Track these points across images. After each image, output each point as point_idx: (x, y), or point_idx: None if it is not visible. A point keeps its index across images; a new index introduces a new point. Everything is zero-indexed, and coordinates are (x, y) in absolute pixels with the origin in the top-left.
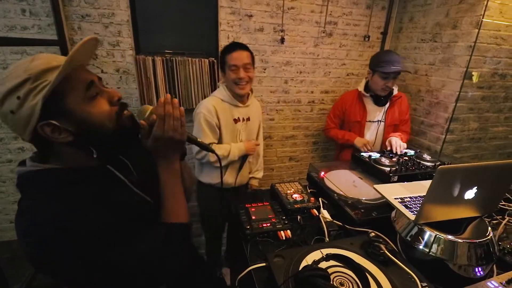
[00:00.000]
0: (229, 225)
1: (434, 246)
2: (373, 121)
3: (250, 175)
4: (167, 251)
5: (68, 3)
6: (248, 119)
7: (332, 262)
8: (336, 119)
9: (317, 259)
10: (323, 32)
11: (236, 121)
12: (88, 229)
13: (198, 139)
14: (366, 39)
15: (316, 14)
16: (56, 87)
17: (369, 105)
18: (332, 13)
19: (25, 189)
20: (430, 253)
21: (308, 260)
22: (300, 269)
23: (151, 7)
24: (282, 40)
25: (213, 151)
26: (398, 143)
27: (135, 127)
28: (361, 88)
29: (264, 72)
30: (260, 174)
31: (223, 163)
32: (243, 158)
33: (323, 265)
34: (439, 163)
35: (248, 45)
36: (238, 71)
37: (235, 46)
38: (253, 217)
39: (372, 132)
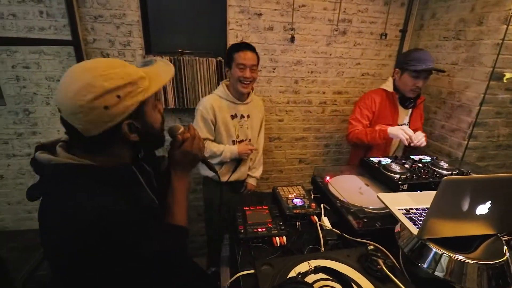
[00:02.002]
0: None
1: (440, 266)
2: (399, 125)
3: (248, 172)
4: (176, 247)
5: (82, 4)
6: (248, 116)
7: (321, 275)
8: (364, 119)
9: (304, 271)
10: (336, 30)
11: (232, 117)
12: (126, 224)
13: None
14: (383, 37)
15: (329, 11)
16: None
17: (399, 107)
18: (346, 10)
19: (63, 180)
20: (435, 273)
21: (297, 271)
22: (284, 280)
23: (161, 7)
24: (292, 39)
25: (215, 172)
26: (420, 136)
27: (173, 139)
28: (390, 88)
29: (273, 71)
30: (257, 173)
31: (215, 160)
32: (238, 160)
33: (311, 278)
34: (458, 171)
35: (257, 45)
36: (245, 70)
37: (245, 46)
38: (249, 221)
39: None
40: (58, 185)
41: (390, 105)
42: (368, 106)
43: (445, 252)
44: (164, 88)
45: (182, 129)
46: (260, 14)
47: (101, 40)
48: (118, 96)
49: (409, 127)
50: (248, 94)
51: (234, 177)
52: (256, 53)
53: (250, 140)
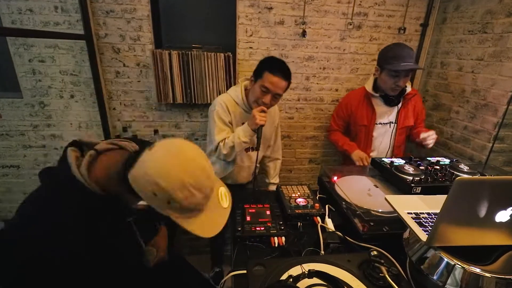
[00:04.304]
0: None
1: (452, 278)
2: (384, 123)
3: (268, 180)
4: None
5: None
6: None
7: (315, 280)
8: (340, 121)
9: (296, 274)
10: (351, 25)
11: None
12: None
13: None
14: (402, 31)
15: (343, 4)
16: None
17: (379, 106)
18: (362, 3)
19: (57, 191)
20: (445, 286)
21: (290, 274)
22: (272, 283)
23: (171, 1)
24: (304, 34)
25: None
26: (432, 135)
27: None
28: (368, 87)
29: None
30: (277, 179)
31: (237, 148)
32: (258, 137)
33: (304, 282)
34: (479, 175)
35: (267, 39)
36: (267, 95)
37: (281, 70)
38: (248, 219)
39: (382, 135)
40: (46, 191)
41: (367, 106)
42: (343, 107)
43: (459, 263)
44: (173, 83)
45: (154, 255)
46: (271, 8)
47: (112, 35)
48: (169, 202)
49: (397, 125)
50: None
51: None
52: (290, 82)
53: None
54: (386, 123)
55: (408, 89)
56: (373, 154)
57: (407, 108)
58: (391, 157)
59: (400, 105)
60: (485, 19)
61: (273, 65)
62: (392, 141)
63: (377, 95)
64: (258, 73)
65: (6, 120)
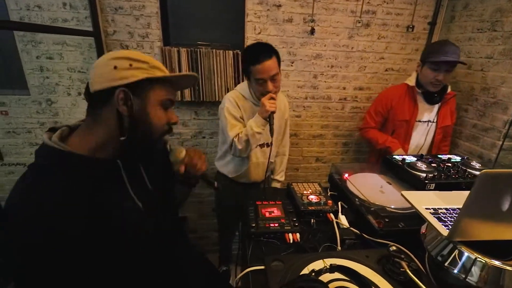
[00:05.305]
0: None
1: (473, 272)
2: (423, 121)
3: (273, 177)
4: None
5: None
6: None
7: (337, 275)
8: (378, 117)
9: (318, 269)
10: (359, 23)
11: None
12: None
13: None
14: (410, 29)
15: (352, 2)
16: (155, 79)
17: (420, 102)
18: (371, 1)
19: (37, 165)
20: (467, 280)
21: (310, 268)
22: (297, 277)
23: None
24: (312, 31)
25: (213, 185)
26: None
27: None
28: (412, 82)
29: (291, 65)
30: (283, 177)
31: (252, 141)
32: (270, 125)
33: (326, 277)
34: None
35: (275, 37)
36: (265, 84)
37: (260, 55)
38: (261, 215)
39: (420, 134)
40: (31, 169)
41: (410, 100)
42: (383, 102)
43: (480, 256)
44: None
45: (183, 154)
46: (279, 6)
47: (121, 32)
48: (130, 65)
49: (437, 124)
50: None
51: (251, 179)
52: (275, 54)
53: (271, 143)
54: (424, 121)
55: (448, 89)
56: (410, 152)
57: (446, 108)
58: None
59: (440, 104)
60: (495, 17)
61: (251, 56)
62: (429, 140)
63: (420, 91)
64: (246, 71)
65: (13, 117)
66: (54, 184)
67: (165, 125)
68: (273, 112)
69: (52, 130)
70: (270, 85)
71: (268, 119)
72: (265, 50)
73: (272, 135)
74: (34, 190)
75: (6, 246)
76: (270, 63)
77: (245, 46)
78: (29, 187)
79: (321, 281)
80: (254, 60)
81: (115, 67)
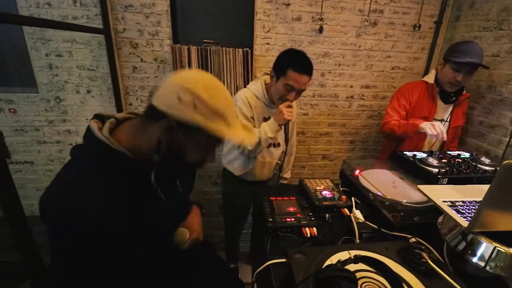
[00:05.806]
0: (254, 221)
1: (492, 260)
2: (438, 120)
3: (281, 175)
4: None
5: None
6: None
7: (361, 266)
8: (402, 110)
9: (343, 259)
10: (367, 21)
11: (265, 119)
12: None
13: None
14: (417, 28)
15: (360, 1)
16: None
17: (438, 101)
18: (378, 0)
19: (84, 157)
20: (486, 269)
21: (334, 260)
22: (326, 267)
23: None
24: (321, 30)
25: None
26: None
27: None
28: (431, 80)
29: None
30: (289, 175)
31: (264, 144)
32: (286, 133)
33: (350, 267)
34: None
35: (284, 35)
36: (291, 92)
37: (306, 67)
38: (277, 211)
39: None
40: (77, 160)
41: (428, 97)
42: (406, 96)
43: (498, 245)
44: None
45: (187, 236)
46: (288, 4)
47: (131, 30)
48: (194, 105)
49: (450, 125)
50: None
51: (260, 176)
52: (311, 75)
53: (279, 144)
54: (439, 120)
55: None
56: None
57: (459, 109)
58: None
59: (454, 104)
60: (501, 16)
61: (297, 62)
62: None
63: (437, 89)
64: (280, 70)
65: (21, 115)
66: (103, 181)
67: (199, 162)
68: (289, 121)
69: (99, 118)
70: (293, 96)
71: (283, 126)
72: (310, 67)
73: (287, 143)
74: (86, 185)
75: (58, 231)
76: (307, 79)
77: (254, 44)
78: (81, 182)
79: (349, 270)
80: (298, 67)
81: (179, 99)
